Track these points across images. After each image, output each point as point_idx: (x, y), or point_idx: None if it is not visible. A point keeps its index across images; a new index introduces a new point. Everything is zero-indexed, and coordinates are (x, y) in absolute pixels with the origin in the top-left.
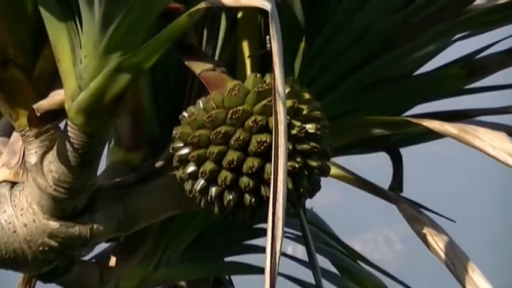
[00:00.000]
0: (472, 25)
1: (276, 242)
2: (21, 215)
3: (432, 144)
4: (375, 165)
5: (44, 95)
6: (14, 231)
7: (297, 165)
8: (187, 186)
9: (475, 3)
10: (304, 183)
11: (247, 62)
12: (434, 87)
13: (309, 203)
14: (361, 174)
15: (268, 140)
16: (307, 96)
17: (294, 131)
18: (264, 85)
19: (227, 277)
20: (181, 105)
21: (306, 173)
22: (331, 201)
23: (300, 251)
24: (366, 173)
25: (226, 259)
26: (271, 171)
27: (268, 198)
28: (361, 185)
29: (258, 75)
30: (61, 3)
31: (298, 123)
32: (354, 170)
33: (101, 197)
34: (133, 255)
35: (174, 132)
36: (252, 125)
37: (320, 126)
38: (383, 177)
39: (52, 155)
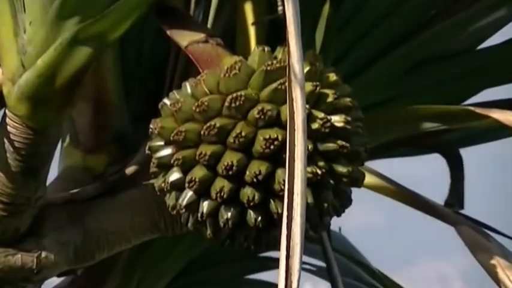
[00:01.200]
0: None
1: (291, 277)
2: None
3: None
4: (425, 173)
5: None
6: None
7: (319, 172)
8: (170, 200)
9: None
10: (328, 197)
11: (251, 31)
12: (504, 67)
13: (335, 224)
14: (406, 184)
15: (279, 137)
16: (333, 77)
17: (315, 125)
18: (274, 62)
19: None
20: (160, 91)
21: (331, 182)
22: (365, 221)
23: None
24: (413, 182)
25: None
26: (284, 180)
27: (280, 216)
28: (407, 200)
29: (266, 48)
30: None
31: (321, 114)
32: (397, 178)
33: (51, 216)
34: None
35: (151, 126)
36: (257, 116)
37: (350, 119)
38: (436, 189)
39: None
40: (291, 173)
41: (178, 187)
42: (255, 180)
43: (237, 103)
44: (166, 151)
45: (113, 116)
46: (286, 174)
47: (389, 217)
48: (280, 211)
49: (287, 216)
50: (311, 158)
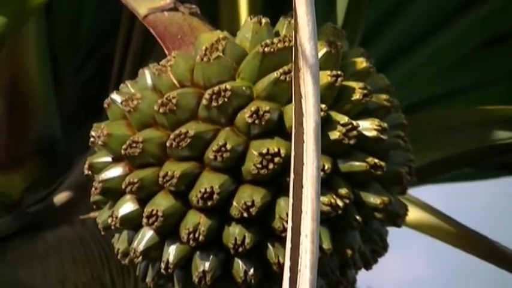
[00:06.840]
0: None
1: None
2: None
3: None
4: (494, 205)
5: None
6: None
7: (340, 203)
8: (120, 242)
9: None
10: (354, 240)
11: None
12: None
13: (364, 280)
14: (468, 222)
15: (282, 152)
16: (362, 64)
17: (334, 134)
18: (275, 41)
19: None
20: (106, 81)
21: (358, 218)
22: (409, 275)
23: None
24: (477, 219)
25: None
26: (287, 215)
27: (281, 268)
28: (470, 245)
29: (264, 20)
30: None
31: (343, 119)
32: (453, 213)
33: None
34: None
35: (92, 133)
36: (250, 121)
37: (387, 125)
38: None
39: None
40: (297, 205)
41: (132, 224)
42: (245, 214)
43: (220, 101)
44: (115, 171)
45: (34, 116)
46: (290, 206)
47: (444, 269)
48: (281, 260)
49: (291, 268)
50: (328, 183)
